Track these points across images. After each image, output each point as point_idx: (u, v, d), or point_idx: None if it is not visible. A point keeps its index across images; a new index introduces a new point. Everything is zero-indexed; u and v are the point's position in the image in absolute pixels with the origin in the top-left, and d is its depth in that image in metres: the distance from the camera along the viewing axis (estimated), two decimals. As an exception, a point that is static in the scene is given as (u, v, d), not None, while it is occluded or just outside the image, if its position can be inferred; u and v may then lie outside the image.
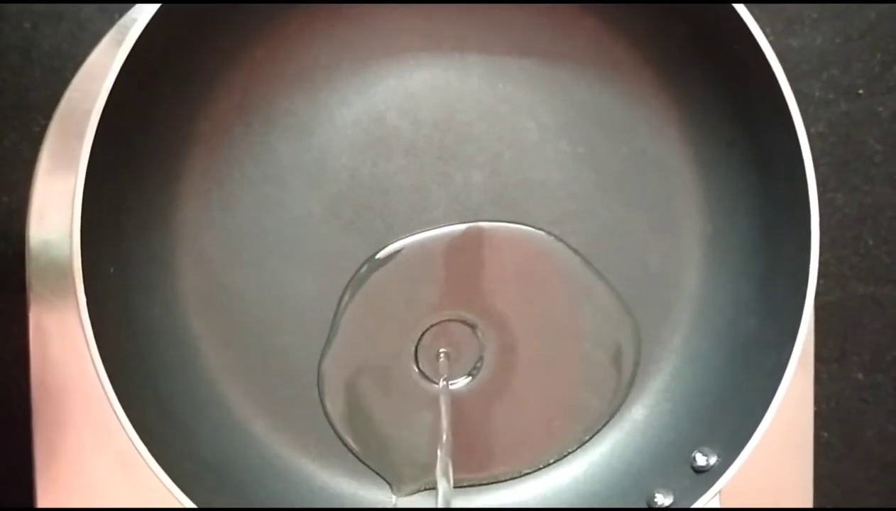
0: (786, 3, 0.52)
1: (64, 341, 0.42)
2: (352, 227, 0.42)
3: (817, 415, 0.51)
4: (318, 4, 0.41)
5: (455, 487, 0.43)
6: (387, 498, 0.43)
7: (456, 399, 0.44)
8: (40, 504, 0.43)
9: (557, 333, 0.44)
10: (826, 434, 0.55)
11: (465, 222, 0.43)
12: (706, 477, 0.39)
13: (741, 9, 0.37)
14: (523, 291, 0.44)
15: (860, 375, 0.55)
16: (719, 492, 0.38)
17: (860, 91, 0.53)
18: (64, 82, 0.44)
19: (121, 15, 0.44)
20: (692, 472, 0.40)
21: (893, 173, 0.54)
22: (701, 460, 0.40)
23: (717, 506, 0.40)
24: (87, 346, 0.35)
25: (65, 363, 0.42)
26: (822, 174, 0.53)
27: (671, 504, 0.39)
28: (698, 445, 0.40)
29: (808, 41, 0.52)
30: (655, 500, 0.40)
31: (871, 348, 0.55)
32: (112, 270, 0.37)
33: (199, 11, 0.38)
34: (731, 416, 0.40)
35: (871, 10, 0.53)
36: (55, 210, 0.42)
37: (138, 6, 0.44)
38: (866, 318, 0.54)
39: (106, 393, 0.35)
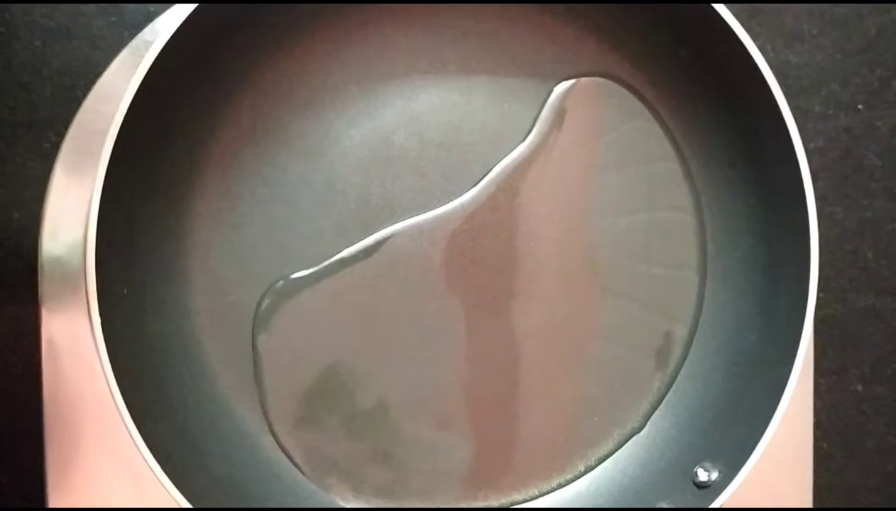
0: (765, 2, 0.52)
1: (76, 356, 0.42)
2: (359, 242, 0.43)
3: (817, 426, 0.51)
4: (325, 29, 0.42)
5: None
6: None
7: (479, 413, 0.44)
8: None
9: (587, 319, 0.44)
10: (826, 445, 0.55)
11: (470, 237, 0.43)
12: (708, 492, 0.39)
13: (740, 31, 0.38)
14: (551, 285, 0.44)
15: (860, 387, 0.55)
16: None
17: (860, 106, 0.53)
18: (75, 100, 0.45)
19: (131, 35, 0.45)
20: (694, 486, 0.40)
21: (893, 187, 0.54)
22: (703, 475, 0.40)
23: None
24: (101, 362, 0.35)
25: (77, 378, 0.42)
26: (822, 189, 0.53)
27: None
28: (700, 460, 0.41)
29: (807, 57, 0.53)
30: (658, 513, 0.40)
31: (871, 360, 0.55)
32: (125, 291, 0.38)
33: (211, 36, 0.38)
34: (732, 431, 0.40)
35: (871, 26, 0.53)
36: (67, 227, 0.42)
37: (149, 27, 0.44)
38: (866, 331, 0.55)
39: (118, 409, 0.35)
